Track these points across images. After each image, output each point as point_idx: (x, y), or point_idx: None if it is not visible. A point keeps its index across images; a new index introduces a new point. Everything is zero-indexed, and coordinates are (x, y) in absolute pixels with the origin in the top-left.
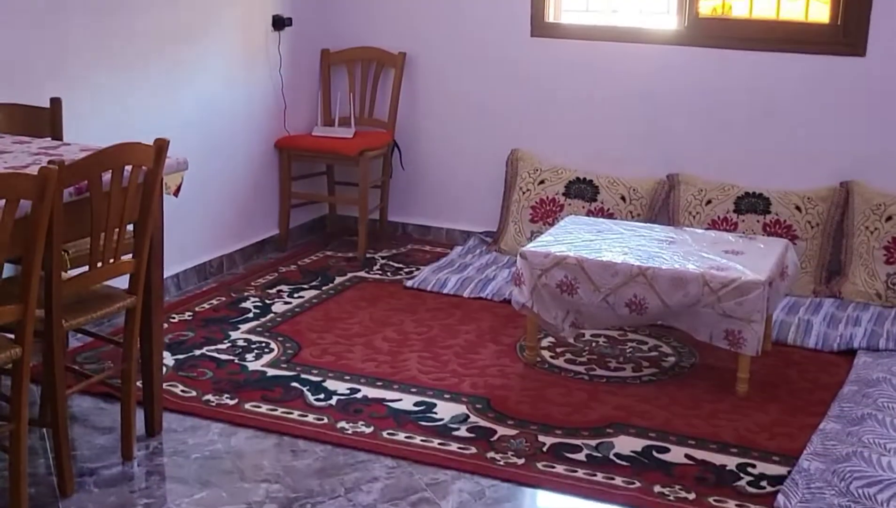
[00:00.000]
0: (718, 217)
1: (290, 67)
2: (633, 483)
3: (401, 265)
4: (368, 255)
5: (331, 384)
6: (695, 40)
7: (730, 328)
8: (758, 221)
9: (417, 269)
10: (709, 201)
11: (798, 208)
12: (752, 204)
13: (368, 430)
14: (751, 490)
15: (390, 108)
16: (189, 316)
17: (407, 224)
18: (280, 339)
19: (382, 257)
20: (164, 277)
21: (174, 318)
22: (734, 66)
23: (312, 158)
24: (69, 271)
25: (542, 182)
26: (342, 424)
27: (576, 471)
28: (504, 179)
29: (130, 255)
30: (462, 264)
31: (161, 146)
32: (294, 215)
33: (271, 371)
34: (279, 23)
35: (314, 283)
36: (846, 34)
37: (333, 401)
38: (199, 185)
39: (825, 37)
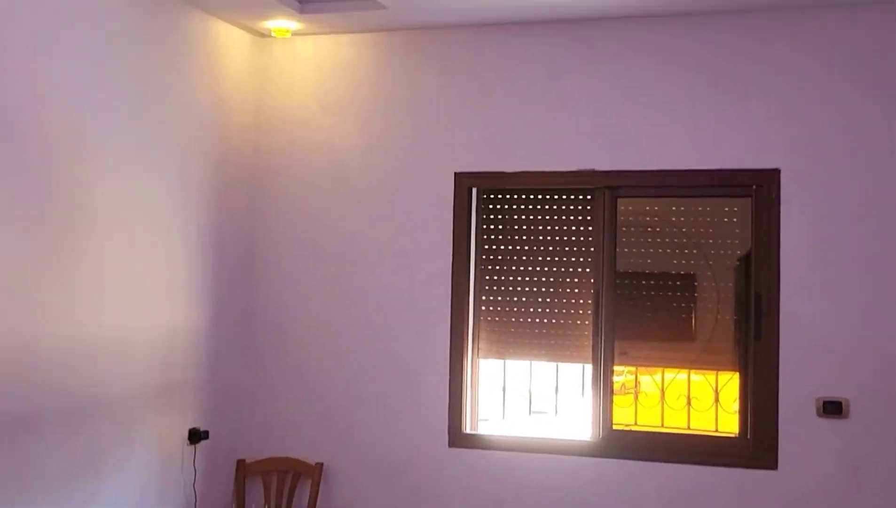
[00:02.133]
0: None
1: (205, 480)
2: None
3: None
4: None
5: None
6: (610, 452)
7: None
8: None
9: None
10: None
11: None
12: None
13: None
14: None
15: None
16: None
17: None
18: None
19: None
20: None
21: None
22: (649, 479)
23: None
24: None
25: None
26: None
27: None
28: None
29: None
30: None
31: None
32: None
33: None
34: (195, 436)
35: None
36: (756, 447)
37: None
38: None
39: (735, 450)
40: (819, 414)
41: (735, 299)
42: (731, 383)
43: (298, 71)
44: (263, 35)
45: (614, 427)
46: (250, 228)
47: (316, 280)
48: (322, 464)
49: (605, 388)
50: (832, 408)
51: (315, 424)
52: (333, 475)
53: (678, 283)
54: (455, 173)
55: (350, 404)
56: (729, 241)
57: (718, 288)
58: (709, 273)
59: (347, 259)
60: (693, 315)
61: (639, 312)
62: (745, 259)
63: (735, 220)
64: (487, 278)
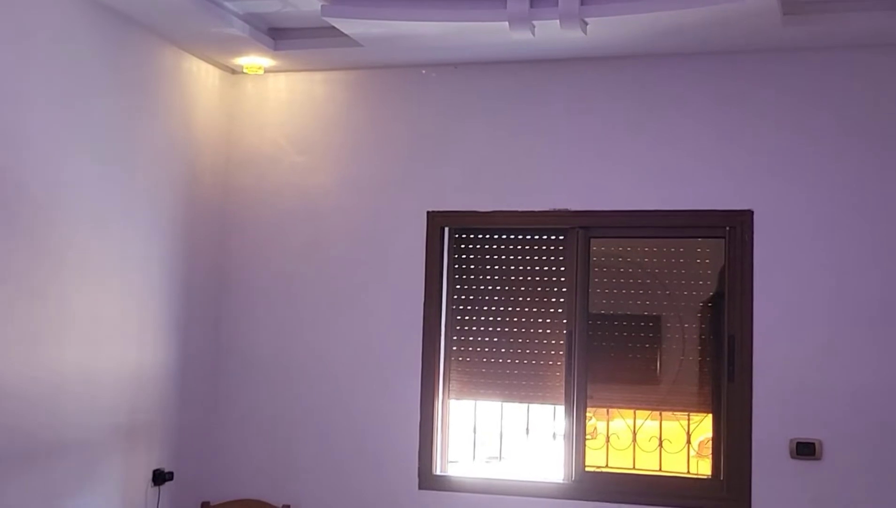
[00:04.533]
0: None
1: None
2: None
3: None
4: None
5: None
6: (582, 494)
7: None
8: None
9: None
10: None
11: None
12: None
13: None
14: None
15: None
16: None
17: None
18: None
19: None
20: None
21: None
22: None
23: None
24: None
25: None
26: None
27: None
28: None
29: None
30: None
31: None
32: None
33: None
34: (160, 477)
35: None
36: (729, 489)
37: None
38: None
39: (708, 491)
40: (792, 456)
41: (706, 341)
42: (702, 425)
43: (270, 108)
44: (235, 71)
45: (587, 469)
46: (220, 267)
47: (285, 320)
48: (289, 507)
49: (577, 430)
50: (805, 449)
51: (282, 465)
52: None
53: (648, 324)
54: (427, 212)
55: (318, 445)
56: (700, 282)
57: (685, 329)
58: (679, 314)
59: (318, 299)
60: (660, 357)
61: (610, 354)
62: (716, 300)
63: (707, 261)
64: (459, 317)
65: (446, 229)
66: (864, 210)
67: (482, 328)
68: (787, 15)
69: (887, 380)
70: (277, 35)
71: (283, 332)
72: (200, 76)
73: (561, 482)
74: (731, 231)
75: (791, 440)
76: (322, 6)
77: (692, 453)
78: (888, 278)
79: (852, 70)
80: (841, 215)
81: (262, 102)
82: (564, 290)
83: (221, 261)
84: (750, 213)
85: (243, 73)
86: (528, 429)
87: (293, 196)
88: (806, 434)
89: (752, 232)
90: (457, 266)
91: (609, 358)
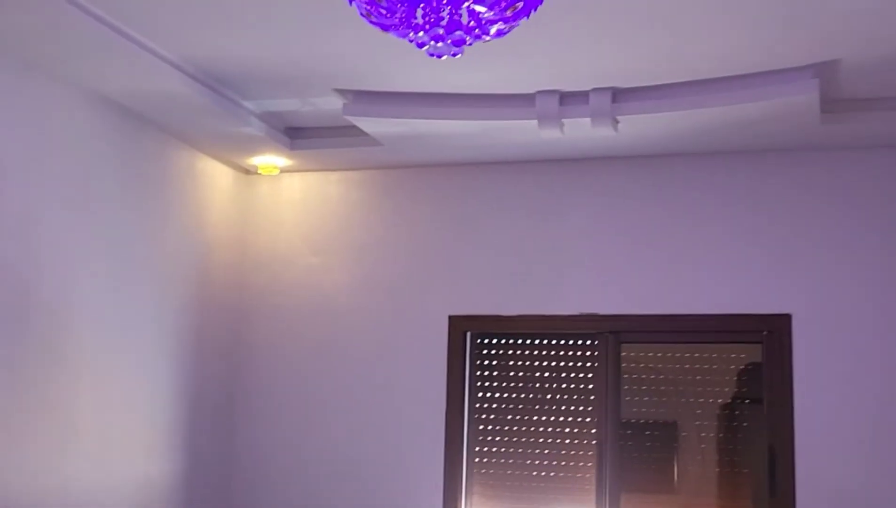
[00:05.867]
0: None
1: None
2: None
3: None
4: None
5: None
6: None
7: None
8: None
9: None
10: None
11: None
12: None
13: None
14: None
15: None
16: None
17: None
18: None
19: None
20: None
21: None
22: None
23: None
24: None
25: None
26: None
27: None
28: None
29: None
30: None
31: None
32: None
33: None
34: None
35: None
36: None
37: None
38: None
39: None
40: None
41: (745, 451)
42: None
43: (285, 208)
44: (249, 171)
45: None
46: (232, 371)
47: (301, 428)
48: None
49: None
50: None
51: None
52: None
53: (681, 433)
54: (450, 317)
55: None
56: (733, 389)
57: (721, 440)
58: (714, 423)
59: (334, 405)
60: (695, 467)
61: (644, 463)
62: (752, 408)
63: (742, 367)
64: (482, 426)
65: (469, 334)
66: None
67: (506, 438)
68: (826, 113)
69: None
70: (294, 134)
71: (299, 438)
72: (215, 176)
73: None
74: (769, 336)
75: None
76: (344, 105)
77: None
78: None
79: (890, 170)
80: (881, 318)
81: (276, 201)
82: (593, 398)
83: (234, 363)
84: (788, 317)
85: (257, 173)
86: None
87: (308, 297)
88: None
89: (791, 336)
90: (480, 372)
91: (643, 468)
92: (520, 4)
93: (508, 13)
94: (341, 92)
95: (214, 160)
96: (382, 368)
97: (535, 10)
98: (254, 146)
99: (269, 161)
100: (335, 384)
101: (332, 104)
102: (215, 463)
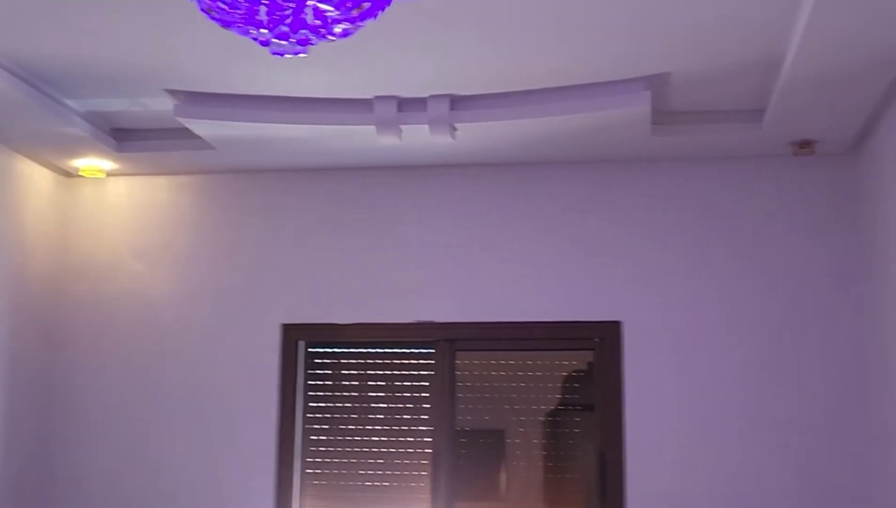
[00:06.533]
0: None
1: None
2: None
3: None
4: None
5: None
6: None
7: None
8: None
9: None
10: None
11: None
12: None
13: None
14: None
15: None
16: None
17: None
18: None
19: None
20: None
21: None
22: None
23: None
24: None
25: None
26: None
27: None
28: None
29: None
30: None
31: None
32: None
33: None
34: None
35: None
36: None
37: None
38: None
39: None
40: None
41: (576, 457)
42: None
43: (109, 213)
44: (71, 174)
45: None
46: (48, 384)
47: (123, 443)
48: None
49: None
50: None
51: None
52: None
53: (514, 440)
54: (283, 325)
55: None
56: (567, 396)
57: (551, 445)
58: (545, 429)
59: (160, 419)
60: (527, 473)
61: (478, 471)
62: (585, 413)
63: (573, 374)
64: (315, 437)
65: (302, 344)
66: (735, 319)
67: (341, 448)
68: (657, 124)
69: (765, 488)
70: (121, 136)
71: (120, 457)
72: (34, 179)
73: None
74: (601, 343)
75: None
76: (175, 106)
77: None
78: (759, 387)
79: (719, 179)
80: (711, 325)
81: (100, 206)
82: (428, 405)
83: (50, 378)
84: (618, 324)
85: (79, 176)
86: None
87: (133, 307)
88: None
89: (621, 343)
90: (314, 381)
91: (477, 476)
92: (366, 5)
93: (354, 13)
94: (172, 92)
95: (34, 162)
96: (212, 380)
97: (383, 10)
98: (77, 148)
99: (94, 164)
100: (161, 399)
101: (163, 105)
102: (28, 492)
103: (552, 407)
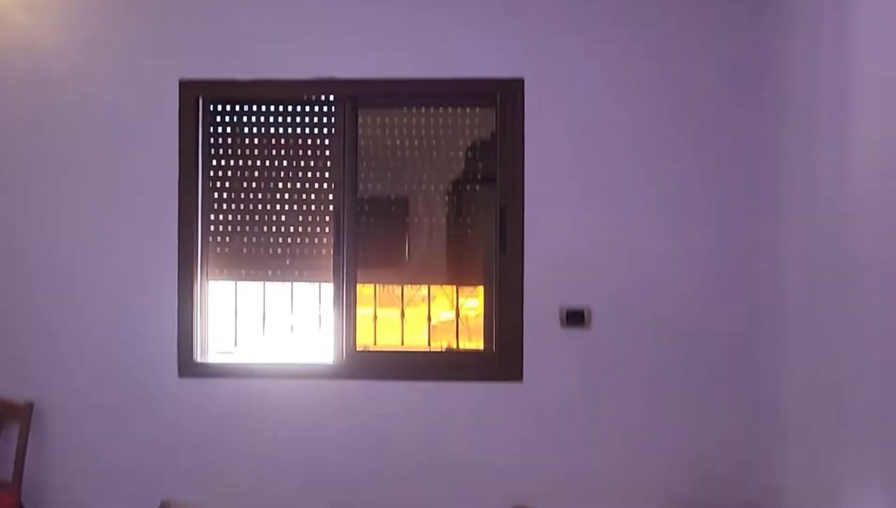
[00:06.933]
0: None
1: None
2: None
3: None
4: None
5: None
6: (353, 373)
7: None
8: None
9: None
10: None
11: None
12: None
13: None
14: None
15: (15, 467)
16: None
17: None
18: None
19: None
20: None
21: None
22: (394, 398)
23: None
24: None
25: None
26: None
27: None
28: None
29: None
30: None
31: None
32: None
33: None
34: None
35: None
36: (501, 360)
37: None
38: None
39: (482, 364)
40: (563, 324)
41: (477, 213)
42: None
43: None
44: None
45: (357, 349)
46: None
47: (22, 206)
48: (32, 404)
49: (347, 309)
50: (574, 318)
51: (22, 359)
52: (46, 414)
53: (416, 201)
54: (180, 81)
55: (65, 336)
56: (471, 154)
57: (455, 204)
58: (448, 189)
59: (50, 181)
60: (430, 233)
61: (379, 231)
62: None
63: (477, 131)
64: (217, 196)
65: (201, 100)
66: (639, 78)
67: (243, 212)
68: None
69: (653, 247)
70: None
71: (19, 217)
72: None
73: (331, 363)
74: (502, 100)
75: (561, 309)
76: None
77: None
78: (658, 149)
79: None
80: (614, 85)
81: None
82: (330, 165)
83: None
84: (521, 81)
85: None
86: (292, 311)
87: (18, 63)
88: (576, 303)
89: (523, 101)
90: (214, 140)
91: (378, 236)
92: None
93: None
94: None
95: None
96: (108, 138)
97: None
98: None
99: None
100: (48, 157)
101: None
102: None
103: (455, 176)
